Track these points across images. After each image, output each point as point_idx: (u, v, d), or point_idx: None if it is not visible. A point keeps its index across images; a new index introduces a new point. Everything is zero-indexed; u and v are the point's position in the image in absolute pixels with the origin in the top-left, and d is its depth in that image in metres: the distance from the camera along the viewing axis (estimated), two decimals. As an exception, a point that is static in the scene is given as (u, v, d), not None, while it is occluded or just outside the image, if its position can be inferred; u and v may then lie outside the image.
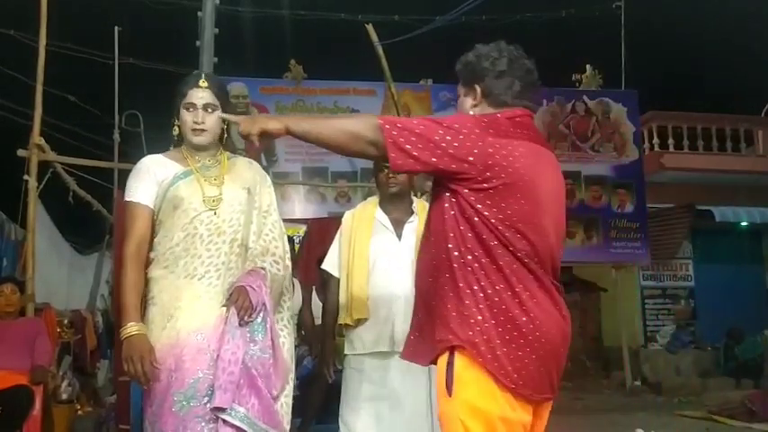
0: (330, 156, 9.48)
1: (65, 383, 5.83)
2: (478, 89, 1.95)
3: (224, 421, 2.22)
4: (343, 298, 2.97)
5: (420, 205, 3.13)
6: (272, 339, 2.34)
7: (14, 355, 4.35)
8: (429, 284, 1.90)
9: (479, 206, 1.79)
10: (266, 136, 1.93)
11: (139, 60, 10.57)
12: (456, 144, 1.78)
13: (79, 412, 6.37)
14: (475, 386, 1.76)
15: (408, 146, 1.78)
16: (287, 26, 10.03)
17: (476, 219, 1.80)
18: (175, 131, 2.49)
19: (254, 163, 2.63)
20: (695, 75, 10.91)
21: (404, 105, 8.48)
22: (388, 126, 1.80)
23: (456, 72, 2.03)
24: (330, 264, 3.10)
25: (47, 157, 5.24)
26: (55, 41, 6.28)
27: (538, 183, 1.84)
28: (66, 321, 7.31)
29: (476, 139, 1.79)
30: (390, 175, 3.02)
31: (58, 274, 8.81)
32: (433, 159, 1.79)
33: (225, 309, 2.31)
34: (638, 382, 9.72)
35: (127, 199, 2.44)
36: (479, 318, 1.77)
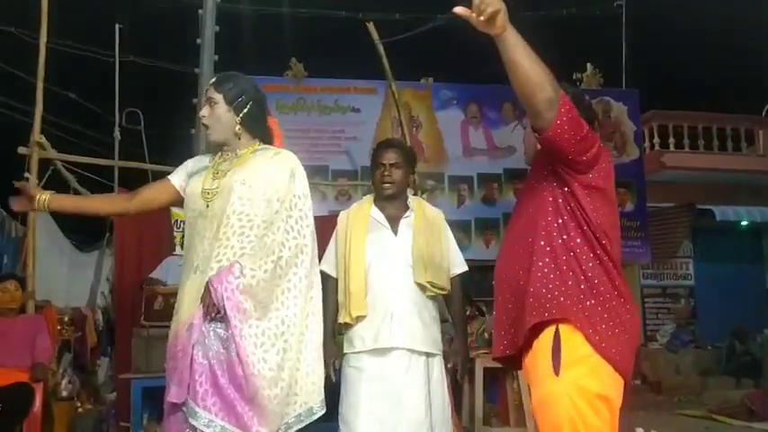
0: (330, 154, 9.51)
1: (65, 381, 5.82)
2: None
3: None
4: (341, 296, 2.96)
5: (416, 202, 3.12)
6: (234, 340, 2.23)
7: (15, 353, 4.35)
8: (522, 272, 2.01)
9: (583, 201, 1.97)
10: (490, 24, 1.76)
11: (140, 58, 10.55)
12: (591, 141, 1.94)
13: (79, 409, 6.36)
14: (580, 365, 1.88)
15: (573, 122, 1.88)
16: (288, 24, 10.01)
17: (578, 212, 1.97)
18: None
19: (284, 153, 2.53)
20: (696, 74, 10.88)
21: (404, 104, 8.48)
22: (563, 97, 1.87)
23: None
24: (327, 264, 3.08)
25: (47, 155, 5.24)
26: (55, 39, 6.28)
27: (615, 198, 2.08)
28: (66, 319, 7.30)
29: (597, 142, 1.98)
30: (386, 174, 3.02)
31: (58, 271, 8.81)
32: (580, 146, 1.92)
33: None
34: (637, 381, 9.72)
35: None
36: (581, 296, 1.92)
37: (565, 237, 1.97)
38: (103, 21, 9.79)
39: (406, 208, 3.07)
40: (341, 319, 2.95)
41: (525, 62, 1.82)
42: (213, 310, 2.26)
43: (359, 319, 2.88)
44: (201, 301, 2.28)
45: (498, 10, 1.74)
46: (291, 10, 9.79)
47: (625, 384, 1.97)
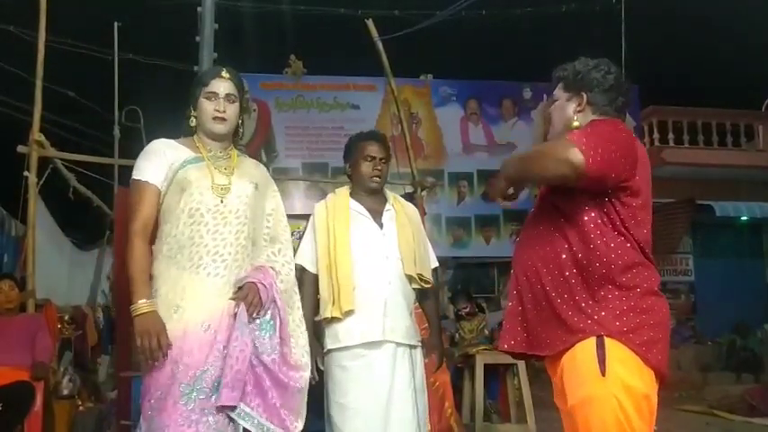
0: (330, 151, 9.50)
1: (66, 379, 5.82)
2: (585, 97, 2.13)
3: (230, 418, 2.22)
4: (326, 291, 2.85)
5: (392, 196, 3.08)
6: (281, 338, 2.34)
7: (15, 352, 4.35)
8: (553, 278, 1.98)
9: (624, 216, 1.95)
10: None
11: (139, 56, 10.54)
12: (627, 155, 1.97)
13: (80, 408, 6.37)
14: (625, 365, 1.87)
15: (607, 154, 1.89)
16: (287, 21, 10.00)
17: (619, 219, 1.94)
18: (192, 122, 2.48)
19: (262, 166, 2.65)
20: (695, 69, 10.87)
21: (404, 101, 8.47)
22: (576, 140, 1.87)
23: (556, 77, 2.21)
24: (303, 259, 2.95)
25: (47, 154, 5.23)
26: (54, 37, 6.26)
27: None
28: (66, 317, 7.31)
29: (633, 154, 2.00)
30: (377, 167, 2.95)
31: (58, 269, 8.80)
32: (623, 170, 1.93)
33: (232, 302, 2.30)
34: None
35: (135, 177, 2.40)
36: (624, 308, 1.90)
37: (605, 249, 1.92)
38: (102, 19, 9.78)
39: (385, 201, 3.02)
40: (327, 314, 2.83)
41: (522, 166, 2.01)
42: (258, 310, 2.31)
43: (348, 313, 2.79)
44: (243, 300, 2.29)
45: (496, 191, 2.06)
46: (290, 7, 9.78)
47: (662, 381, 1.97)
